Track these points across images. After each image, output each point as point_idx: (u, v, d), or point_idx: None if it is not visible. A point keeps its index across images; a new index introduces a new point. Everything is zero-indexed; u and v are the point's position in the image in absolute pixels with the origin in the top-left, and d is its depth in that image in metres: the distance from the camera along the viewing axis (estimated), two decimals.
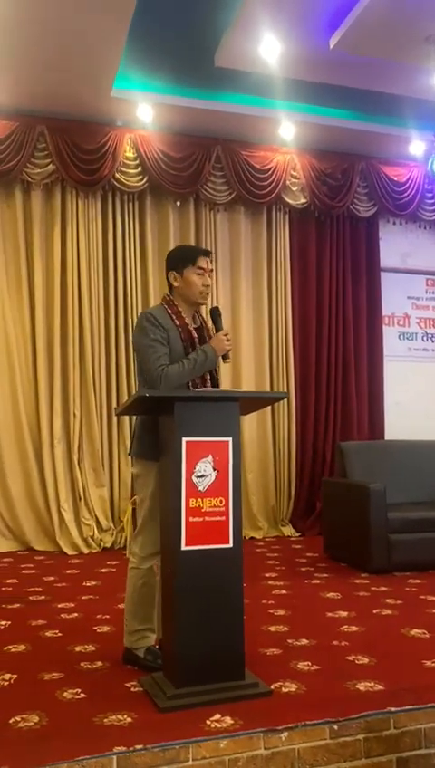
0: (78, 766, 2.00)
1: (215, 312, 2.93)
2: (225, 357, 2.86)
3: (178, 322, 2.83)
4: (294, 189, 6.35)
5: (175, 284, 2.89)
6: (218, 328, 2.90)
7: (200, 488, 2.48)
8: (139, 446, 2.84)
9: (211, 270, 2.94)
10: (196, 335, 2.87)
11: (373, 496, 4.52)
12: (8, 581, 4.40)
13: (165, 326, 2.78)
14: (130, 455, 2.99)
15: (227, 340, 2.83)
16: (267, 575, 4.52)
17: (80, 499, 5.65)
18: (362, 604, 3.76)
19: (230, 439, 2.54)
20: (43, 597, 4.00)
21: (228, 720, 2.24)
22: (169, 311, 2.86)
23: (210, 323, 2.97)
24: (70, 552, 5.44)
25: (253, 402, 3.13)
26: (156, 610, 2.84)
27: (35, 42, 4.51)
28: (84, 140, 5.65)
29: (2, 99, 5.27)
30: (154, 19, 4.57)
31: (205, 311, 3.11)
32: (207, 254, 2.94)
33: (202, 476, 2.48)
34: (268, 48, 4.67)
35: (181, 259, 2.90)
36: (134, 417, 3.01)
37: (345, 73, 5.11)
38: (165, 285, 3.00)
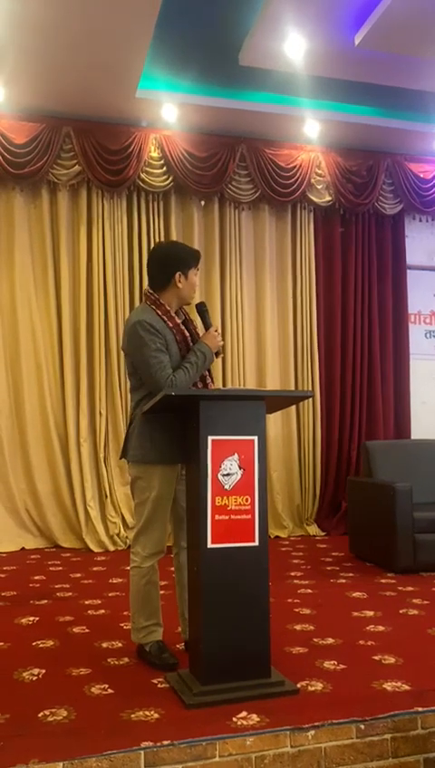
0: (106, 760, 2.02)
1: (201, 308, 2.91)
2: (217, 353, 2.86)
3: (170, 324, 2.82)
4: (319, 187, 6.32)
5: (179, 285, 2.85)
6: (208, 324, 2.89)
7: (226, 486, 2.49)
8: (138, 450, 2.81)
9: None
10: (187, 332, 2.87)
11: (399, 496, 4.48)
12: (36, 578, 4.46)
13: (161, 332, 2.77)
14: (123, 458, 2.97)
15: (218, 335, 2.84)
16: (293, 574, 4.52)
17: (106, 497, 5.70)
18: (389, 604, 3.74)
19: (256, 438, 2.55)
20: (70, 593, 4.05)
21: (255, 717, 2.25)
22: (159, 312, 2.83)
23: (195, 318, 2.98)
24: (96, 549, 5.48)
25: (278, 401, 3.14)
26: (160, 605, 2.89)
27: (60, 44, 4.55)
28: (110, 141, 5.68)
29: (28, 101, 5.33)
30: (178, 19, 4.58)
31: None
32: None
33: (228, 475, 2.50)
34: (293, 46, 4.65)
35: (186, 261, 2.88)
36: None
37: (370, 70, 5.07)
38: None
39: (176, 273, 2.85)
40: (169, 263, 2.88)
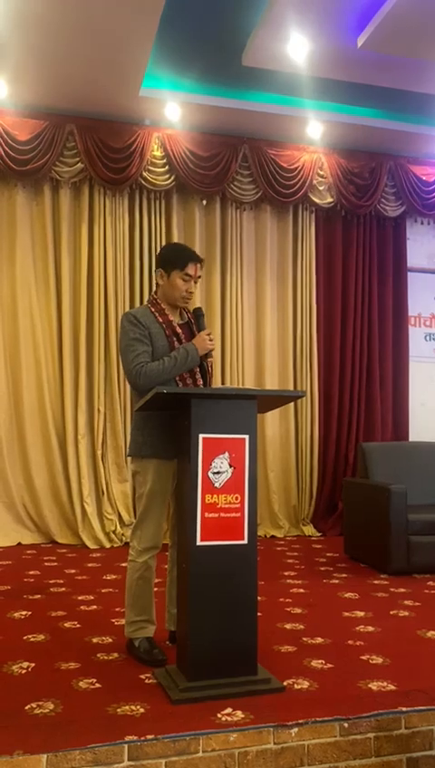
0: (90, 754, 2.04)
1: (197, 312, 2.99)
2: (207, 356, 2.90)
3: (161, 319, 2.89)
4: (320, 189, 6.33)
5: (160, 282, 2.97)
6: (201, 328, 2.94)
7: (216, 484, 2.50)
8: (133, 445, 2.92)
9: (199, 277, 2.99)
10: (180, 331, 2.92)
11: (394, 497, 4.49)
12: (30, 573, 4.48)
13: (145, 324, 2.85)
14: (127, 455, 3.06)
15: (210, 340, 2.89)
16: (286, 574, 4.53)
17: (103, 494, 5.72)
18: (380, 605, 3.75)
19: (247, 437, 2.56)
20: (63, 589, 4.07)
21: (239, 714, 2.27)
22: (153, 309, 2.93)
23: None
24: (92, 545, 5.50)
25: (270, 401, 3.15)
26: (153, 602, 2.92)
27: (65, 41, 4.57)
28: (113, 139, 5.70)
29: (32, 98, 5.35)
30: (182, 19, 4.59)
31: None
32: (198, 260, 2.98)
33: (218, 473, 2.51)
34: (296, 47, 4.66)
35: (171, 261, 2.95)
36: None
37: (373, 72, 5.08)
38: None
39: (157, 271, 2.98)
40: (157, 261, 3.03)
